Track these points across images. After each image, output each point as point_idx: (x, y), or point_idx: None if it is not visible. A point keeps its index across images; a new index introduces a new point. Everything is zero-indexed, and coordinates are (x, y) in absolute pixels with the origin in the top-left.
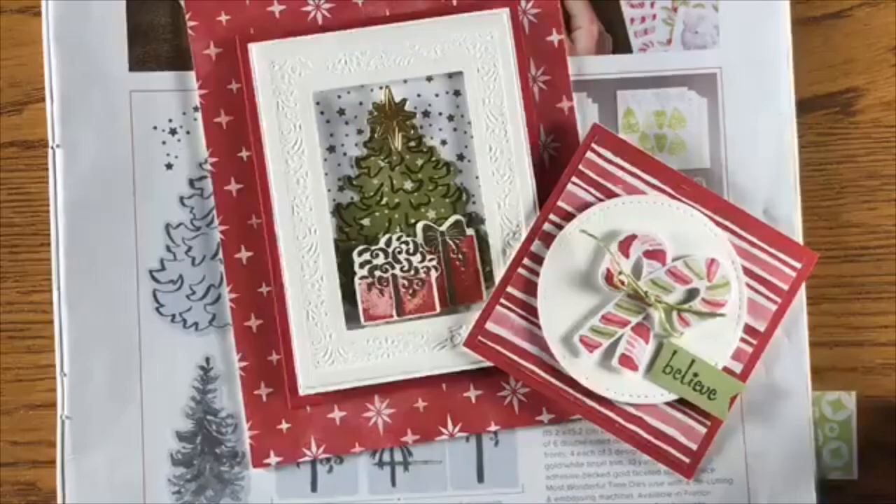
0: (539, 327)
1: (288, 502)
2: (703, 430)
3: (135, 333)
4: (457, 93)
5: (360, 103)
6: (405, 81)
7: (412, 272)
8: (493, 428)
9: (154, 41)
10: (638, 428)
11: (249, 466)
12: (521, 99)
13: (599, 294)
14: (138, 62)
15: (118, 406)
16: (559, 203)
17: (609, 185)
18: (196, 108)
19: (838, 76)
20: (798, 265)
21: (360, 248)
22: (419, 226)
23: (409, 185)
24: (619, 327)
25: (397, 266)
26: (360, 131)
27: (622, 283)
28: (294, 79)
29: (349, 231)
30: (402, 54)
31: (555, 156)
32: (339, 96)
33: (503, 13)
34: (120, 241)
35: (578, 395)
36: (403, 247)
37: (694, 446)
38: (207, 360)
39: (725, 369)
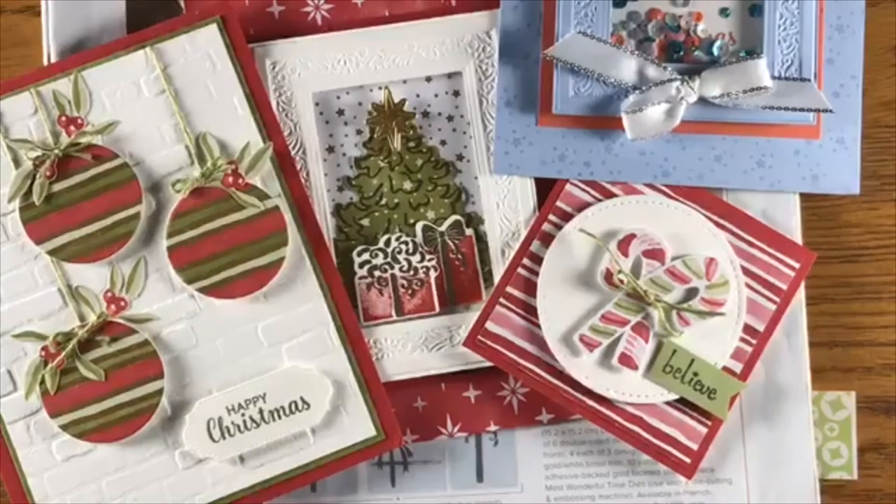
0: (539, 327)
1: (287, 502)
2: (704, 430)
3: None
4: (456, 93)
5: (360, 104)
6: (404, 82)
7: (411, 272)
8: (492, 428)
9: None
10: (638, 428)
11: None
12: None
13: (599, 293)
14: None
15: None
16: (558, 203)
17: (607, 185)
18: None
19: None
20: (796, 265)
21: (360, 248)
22: (418, 226)
23: (408, 185)
24: (619, 326)
25: (396, 266)
26: (359, 132)
27: (621, 282)
28: (293, 79)
29: (348, 231)
30: (401, 55)
31: None
32: (339, 97)
33: (500, 13)
34: None
35: (578, 395)
36: (403, 247)
37: (694, 446)
38: None
39: (725, 369)
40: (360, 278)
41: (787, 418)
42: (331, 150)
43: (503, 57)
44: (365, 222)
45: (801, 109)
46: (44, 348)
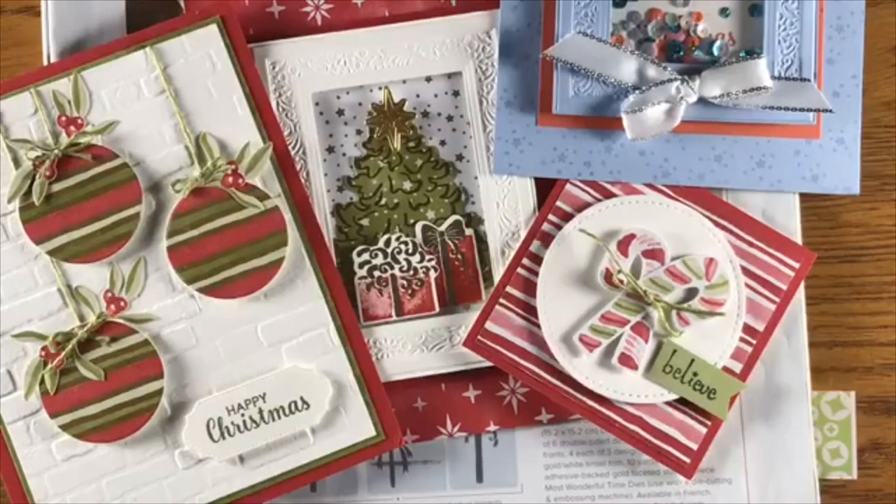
0: (538, 327)
1: (287, 502)
2: (704, 430)
3: None
4: (455, 93)
5: (360, 104)
6: (404, 82)
7: (411, 272)
8: (492, 428)
9: None
10: (638, 428)
11: None
12: None
13: (599, 293)
14: None
15: None
16: (558, 203)
17: (607, 185)
18: None
19: None
20: (796, 265)
21: (360, 248)
22: (418, 226)
23: (408, 185)
24: (619, 326)
25: (396, 266)
26: (359, 132)
27: (621, 282)
28: (293, 79)
29: (348, 231)
30: (401, 55)
31: None
32: (339, 97)
33: (500, 13)
34: None
35: (578, 395)
36: (403, 247)
37: (694, 446)
38: None
39: (725, 369)
40: (360, 278)
41: (787, 418)
42: (331, 150)
43: (503, 57)
44: (365, 222)
45: (801, 109)
46: (44, 348)
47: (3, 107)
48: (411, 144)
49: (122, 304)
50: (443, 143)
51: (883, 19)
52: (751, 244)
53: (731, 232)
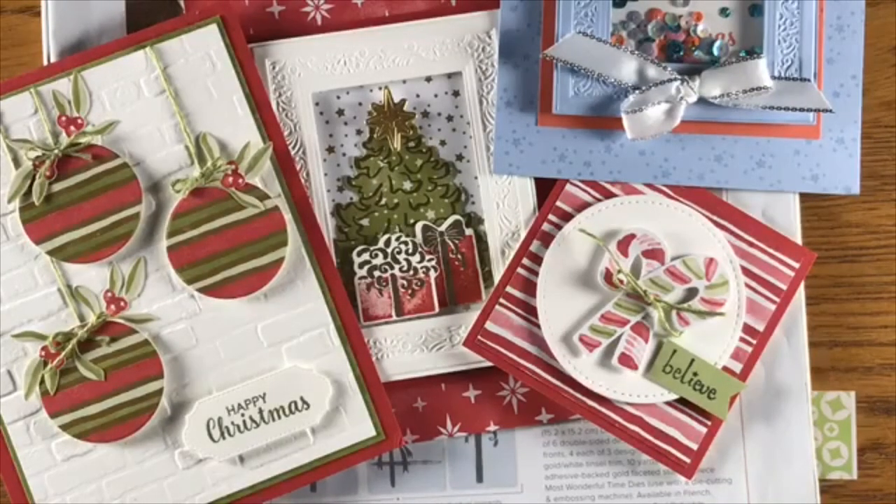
0: (538, 327)
1: (287, 502)
2: (704, 430)
3: None
4: (456, 93)
5: (360, 104)
6: (404, 82)
7: (411, 272)
8: (492, 428)
9: None
10: (638, 428)
11: None
12: None
13: (599, 293)
14: None
15: None
16: (558, 203)
17: (607, 185)
18: None
19: None
20: (796, 265)
21: (360, 248)
22: (418, 226)
23: (408, 185)
24: (619, 326)
25: (396, 266)
26: (359, 132)
27: (621, 282)
28: (293, 79)
29: (348, 231)
30: (401, 55)
31: None
32: (339, 97)
33: (500, 13)
34: None
35: (578, 395)
36: (403, 247)
37: (694, 446)
38: None
39: (725, 369)
40: (360, 278)
41: (787, 418)
42: (331, 150)
43: (503, 57)
44: (365, 222)
45: (801, 109)
46: (44, 348)
47: (3, 107)
48: (411, 144)
49: (122, 304)
50: (443, 143)
51: (883, 19)
52: (751, 244)
53: (731, 232)
